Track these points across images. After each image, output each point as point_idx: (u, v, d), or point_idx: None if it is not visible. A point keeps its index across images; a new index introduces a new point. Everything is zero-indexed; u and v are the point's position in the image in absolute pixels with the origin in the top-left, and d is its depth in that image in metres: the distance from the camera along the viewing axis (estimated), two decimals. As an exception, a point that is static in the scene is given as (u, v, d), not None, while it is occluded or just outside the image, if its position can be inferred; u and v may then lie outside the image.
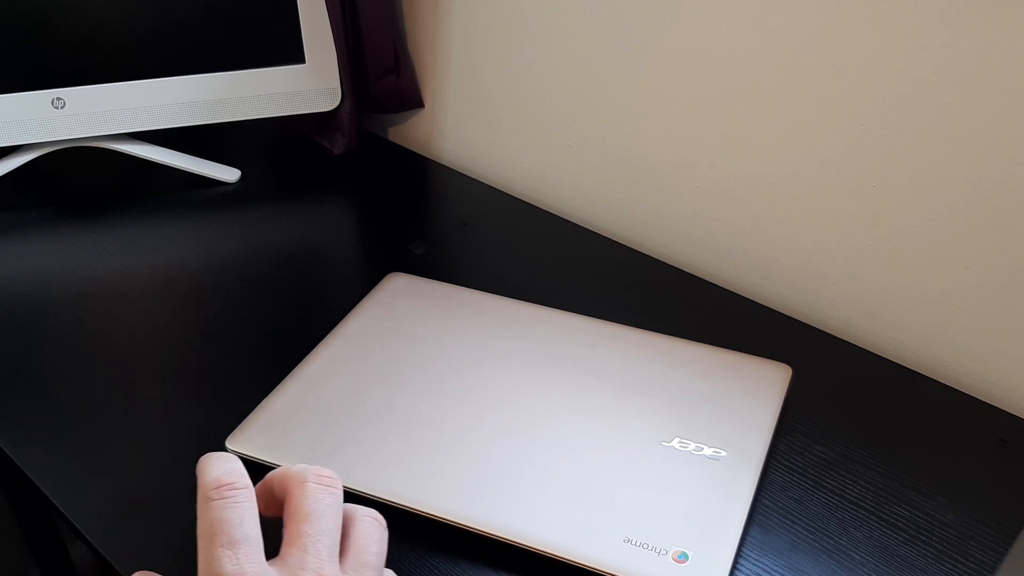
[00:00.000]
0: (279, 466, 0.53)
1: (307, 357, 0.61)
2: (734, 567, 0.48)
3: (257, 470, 0.55)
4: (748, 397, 0.57)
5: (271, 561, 0.36)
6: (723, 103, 0.69)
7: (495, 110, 0.86)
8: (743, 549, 0.51)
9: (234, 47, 0.82)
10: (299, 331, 0.67)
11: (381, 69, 0.89)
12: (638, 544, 0.48)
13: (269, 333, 0.67)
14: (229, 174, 0.88)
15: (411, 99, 0.92)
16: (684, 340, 0.62)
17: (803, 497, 0.54)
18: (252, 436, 0.55)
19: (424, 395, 0.58)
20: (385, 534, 0.40)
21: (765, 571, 0.50)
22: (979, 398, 0.62)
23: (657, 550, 0.48)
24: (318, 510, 0.37)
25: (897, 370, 0.64)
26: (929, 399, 0.61)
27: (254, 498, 0.37)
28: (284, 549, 0.37)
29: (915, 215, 0.63)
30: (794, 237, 0.70)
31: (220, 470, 0.37)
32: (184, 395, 0.61)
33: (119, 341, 0.66)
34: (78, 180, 0.88)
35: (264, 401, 0.57)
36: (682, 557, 0.47)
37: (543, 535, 0.49)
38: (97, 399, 0.61)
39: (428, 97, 0.92)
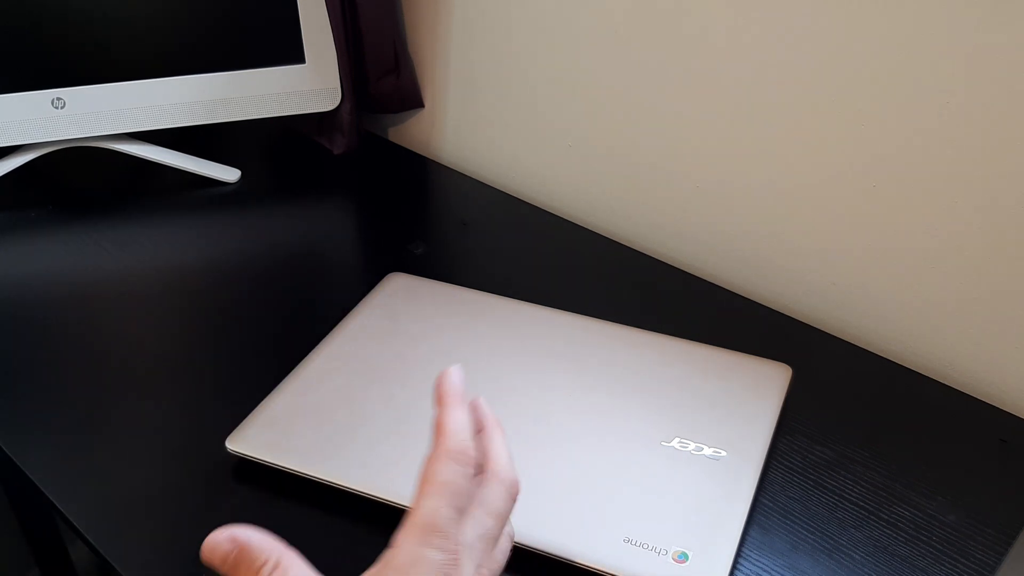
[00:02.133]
0: (279, 466, 0.53)
1: (307, 357, 0.61)
2: (734, 567, 0.48)
3: (257, 470, 0.55)
4: (748, 397, 0.57)
5: None
6: (723, 103, 0.69)
7: (495, 110, 0.86)
8: (743, 549, 0.51)
9: (234, 47, 0.82)
10: (299, 331, 0.67)
11: (381, 69, 0.89)
12: (638, 544, 0.48)
13: (269, 333, 0.67)
14: (229, 174, 0.88)
15: (411, 99, 0.92)
16: (684, 340, 0.62)
17: (803, 497, 0.54)
18: (252, 436, 0.55)
19: (424, 395, 0.58)
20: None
21: (765, 571, 0.50)
22: (979, 398, 0.62)
23: (657, 550, 0.48)
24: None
25: (897, 370, 0.64)
26: (929, 399, 0.61)
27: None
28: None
29: (914, 215, 0.63)
30: (794, 237, 0.70)
31: (467, 438, 0.40)
32: (184, 395, 0.61)
33: (119, 341, 0.66)
34: (78, 180, 0.88)
35: (264, 401, 0.57)
36: (682, 557, 0.47)
37: (543, 535, 0.49)
38: (97, 399, 0.61)
39: (428, 97, 0.92)
